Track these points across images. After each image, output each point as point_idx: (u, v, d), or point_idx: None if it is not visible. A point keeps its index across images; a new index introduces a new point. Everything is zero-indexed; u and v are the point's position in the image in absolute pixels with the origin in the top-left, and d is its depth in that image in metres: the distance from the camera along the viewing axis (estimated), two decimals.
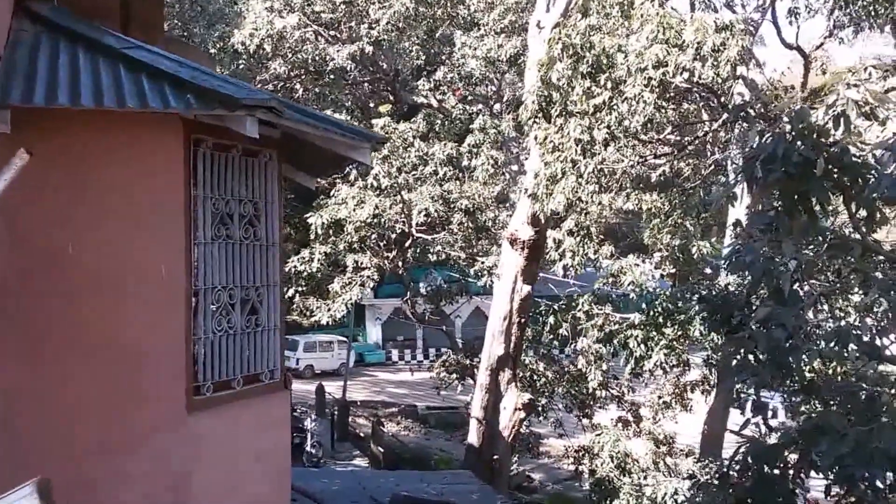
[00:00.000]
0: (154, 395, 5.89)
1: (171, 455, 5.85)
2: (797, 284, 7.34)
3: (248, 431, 6.46)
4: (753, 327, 7.84)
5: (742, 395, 7.97)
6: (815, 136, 6.50)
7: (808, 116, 6.66)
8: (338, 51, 21.51)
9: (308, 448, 21.98)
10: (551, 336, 20.89)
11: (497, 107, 24.93)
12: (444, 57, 24.60)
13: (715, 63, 12.52)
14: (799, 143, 6.38)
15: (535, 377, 21.38)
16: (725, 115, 14.89)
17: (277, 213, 6.89)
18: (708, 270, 19.45)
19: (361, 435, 27.42)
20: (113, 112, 5.32)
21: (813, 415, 8.46)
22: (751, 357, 7.92)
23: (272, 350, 6.83)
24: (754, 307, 8.43)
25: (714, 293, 8.26)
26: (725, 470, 8.50)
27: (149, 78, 5.54)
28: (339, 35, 23.17)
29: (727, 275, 11.35)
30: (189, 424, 5.96)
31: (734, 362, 7.98)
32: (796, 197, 6.79)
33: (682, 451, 21.10)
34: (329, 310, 21.07)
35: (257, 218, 6.73)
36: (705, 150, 21.04)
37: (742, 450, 7.97)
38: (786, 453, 7.57)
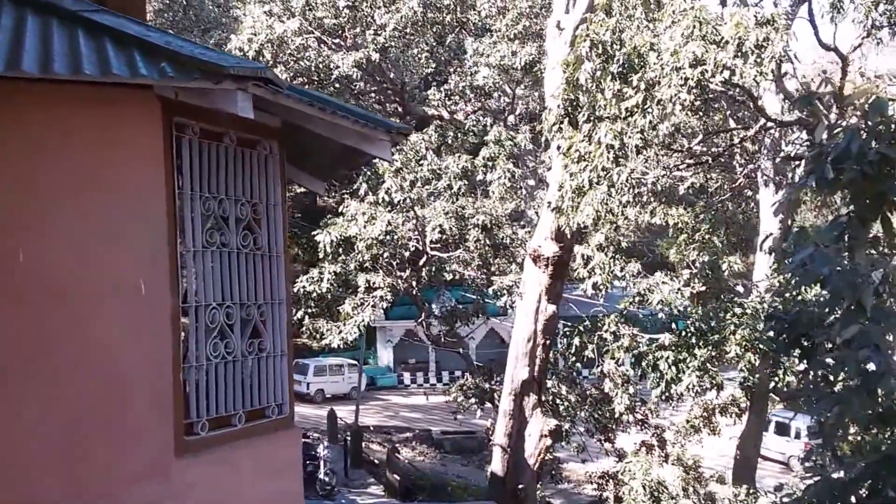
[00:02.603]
0: (134, 433, 4.76)
1: None
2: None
3: (250, 479, 5.31)
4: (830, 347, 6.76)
5: (825, 426, 6.77)
6: (894, 130, 5.60)
7: (885, 108, 5.74)
8: (342, 58, 20.43)
9: (321, 476, 20.73)
10: (573, 358, 19.78)
11: (511, 119, 23.80)
12: (454, 66, 23.50)
13: (758, 60, 11.39)
14: (876, 138, 5.65)
15: (558, 401, 20.20)
16: (763, 120, 13.81)
17: (281, 218, 5.76)
18: (740, 288, 18.25)
19: (376, 461, 26.16)
20: (69, 86, 4.21)
21: (882, 447, 7.27)
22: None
23: (279, 379, 5.69)
24: (828, 324, 7.29)
25: (785, 310, 7.11)
26: None
27: (114, 43, 4.48)
28: (342, 42, 22.13)
29: (794, 290, 10.19)
30: (178, 471, 4.83)
31: (811, 387, 6.83)
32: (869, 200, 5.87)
33: (710, 476, 19.92)
34: (340, 332, 19.87)
35: (257, 223, 5.61)
36: (732, 162, 19.92)
37: (813, 484, 6.85)
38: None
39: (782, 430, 27.76)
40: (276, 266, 5.74)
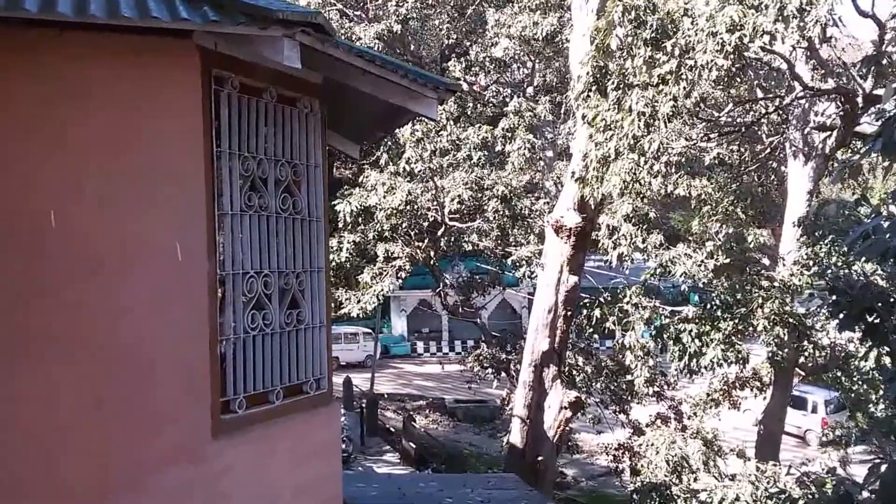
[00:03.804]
0: (168, 413, 4.29)
1: (190, 495, 4.25)
2: None
3: (288, 460, 4.85)
4: None
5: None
6: None
7: None
8: (364, 30, 19.80)
9: None
10: (591, 329, 19.34)
11: (529, 91, 23.13)
12: (474, 37, 22.81)
13: (801, 24, 10.76)
14: None
15: (574, 372, 19.80)
16: (797, 89, 13.18)
17: (322, 180, 5.27)
18: (766, 261, 17.69)
19: (391, 429, 25.91)
20: (104, 35, 3.71)
21: None
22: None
23: (318, 353, 5.23)
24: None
25: (849, 283, 6.60)
26: (847, 491, 6.91)
27: None
28: (364, 14, 21.50)
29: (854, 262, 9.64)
30: (214, 453, 4.38)
31: (881, 367, 6.35)
32: None
33: (731, 450, 19.52)
34: (359, 301, 19.47)
35: (297, 185, 5.12)
36: (758, 132, 19.26)
37: (882, 471, 6.35)
38: None
39: (799, 403, 27.38)
40: (315, 231, 5.27)
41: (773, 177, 21.40)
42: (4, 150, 3.93)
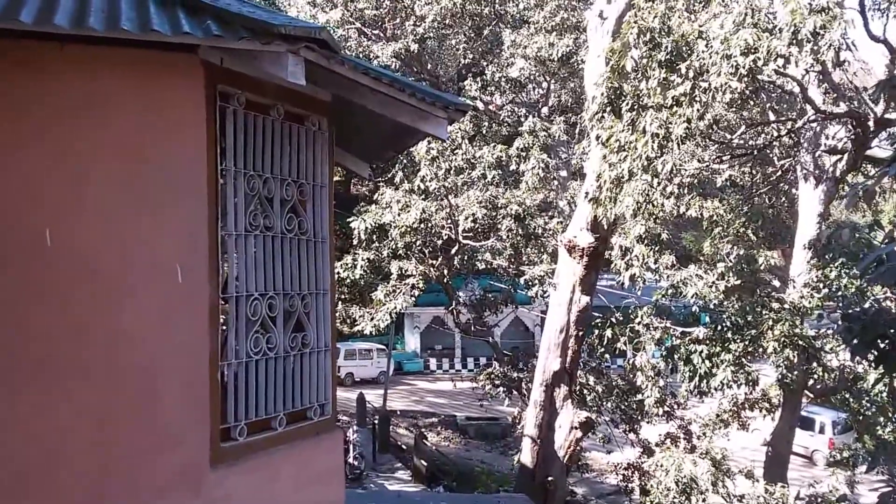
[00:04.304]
0: (166, 441, 4.05)
1: None
2: None
3: (291, 489, 4.59)
4: None
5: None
6: None
7: None
8: (382, 49, 19.70)
9: (350, 460, 20.18)
10: (602, 349, 19.03)
11: (544, 111, 22.95)
12: (491, 57, 22.71)
13: (815, 48, 10.51)
14: None
15: (585, 391, 19.47)
16: (812, 112, 12.93)
17: (328, 200, 5.05)
18: (776, 283, 17.35)
19: (403, 446, 25.55)
20: (107, 48, 3.53)
21: None
22: None
23: (322, 377, 4.99)
24: None
25: (863, 309, 6.32)
26: None
27: (155, 0, 3.73)
28: (382, 34, 21.42)
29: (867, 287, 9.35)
30: (213, 482, 4.13)
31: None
32: None
33: (740, 471, 19.10)
34: (372, 319, 19.23)
35: (303, 205, 4.90)
36: (769, 155, 18.96)
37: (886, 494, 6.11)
38: None
39: (807, 424, 26.86)
40: (321, 253, 5.05)
41: (783, 199, 21.09)
42: (5, 164, 3.74)
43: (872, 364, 6.92)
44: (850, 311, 6.47)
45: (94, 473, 3.91)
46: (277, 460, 4.56)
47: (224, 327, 4.43)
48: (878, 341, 6.57)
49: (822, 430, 27.25)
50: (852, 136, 14.92)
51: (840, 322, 7.37)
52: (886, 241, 6.29)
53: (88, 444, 3.89)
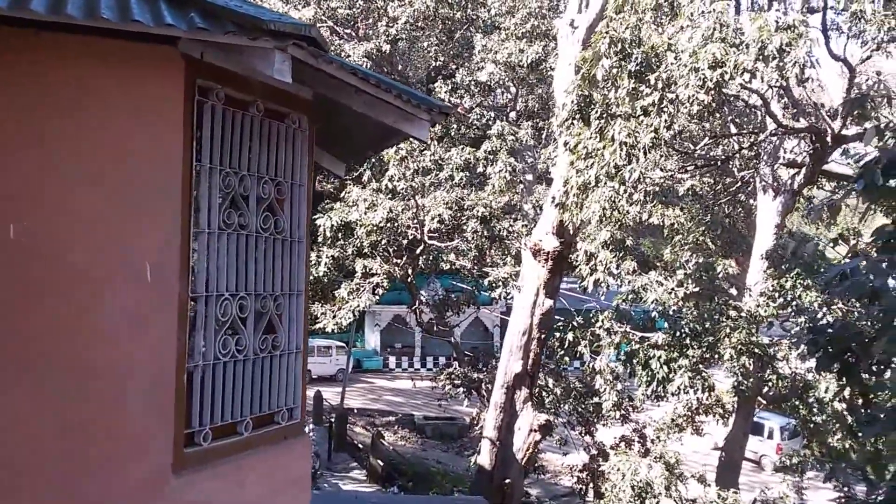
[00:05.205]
0: (132, 446, 3.86)
1: None
2: None
3: (255, 496, 4.42)
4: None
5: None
6: None
7: None
8: (353, 48, 19.52)
9: None
10: (562, 352, 19.07)
11: (512, 115, 22.95)
12: (461, 60, 22.63)
13: (780, 64, 10.62)
14: None
15: (544, 393, 19.49)
16: (773, 126, 13.08)
17: (306, 199, 4.89)
18: (733, 291, 17.55)
19: (359, 445, 25.28)
20: (79, 34, 3.33)
21: None
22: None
23: (292, 380, 4.83)
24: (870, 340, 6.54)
25: (828, 323, 6.35)
26: None
27: None
28: (354, 33, 21.23)
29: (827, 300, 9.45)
30: (176, 488, 3.95)
31: (863, 410, 6.09)
32: None
33: (692, 476, 19.27)
34: (335, 316, 19.01)
35: (280, 204, 4.74)
36: (729, 166, 19.19)
37: None
38: None
39: (756, 429, 27.29)
40: (296, 253, 4.88)
41: (740, 209, 21.36)
42: None
43: (836, 376, 6.96)
44: (815, 324, 6.48)
45: (62, 481, 3.71)
46: (243, 466, 4.38)
47: (192, 328, 4.23)
48: (843, 355, 6.62)
49: (770, 436, 27.65)
50: (811, 151, 15.15)
51: (804, 333, 7.41)
52: (850, 255, 6.32)
53: (55, 451, 3.69)
